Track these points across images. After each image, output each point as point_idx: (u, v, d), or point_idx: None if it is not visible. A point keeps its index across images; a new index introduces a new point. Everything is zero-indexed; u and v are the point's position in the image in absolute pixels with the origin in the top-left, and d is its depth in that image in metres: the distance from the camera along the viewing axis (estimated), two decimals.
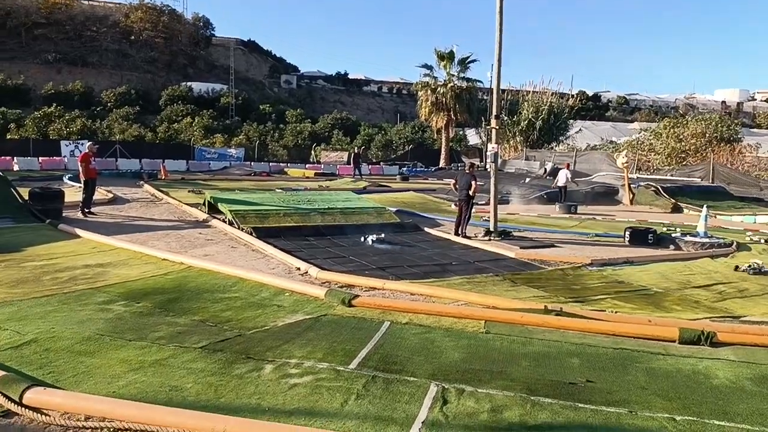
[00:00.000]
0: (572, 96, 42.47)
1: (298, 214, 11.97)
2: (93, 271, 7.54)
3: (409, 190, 22.63)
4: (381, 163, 37.70)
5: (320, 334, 5.37)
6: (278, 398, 3.92)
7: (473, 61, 37.39)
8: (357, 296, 6.33)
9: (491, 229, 11.43)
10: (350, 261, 8.71)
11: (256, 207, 12.08)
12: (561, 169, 20.33)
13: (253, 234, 10.36)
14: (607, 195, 20.90)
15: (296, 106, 67.58)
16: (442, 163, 38.71)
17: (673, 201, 18.44)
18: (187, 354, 4.73)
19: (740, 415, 3.96)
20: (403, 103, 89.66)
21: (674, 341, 5.41)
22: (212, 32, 78.92)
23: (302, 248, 9.60)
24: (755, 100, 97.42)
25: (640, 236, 11.28)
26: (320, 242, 10.30)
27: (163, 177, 24.25)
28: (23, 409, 3.57)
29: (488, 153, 11.61)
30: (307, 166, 35.73)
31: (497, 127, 11.39)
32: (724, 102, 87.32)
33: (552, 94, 35.97)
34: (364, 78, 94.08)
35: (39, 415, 3.52)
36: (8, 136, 38.51)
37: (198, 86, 65.42)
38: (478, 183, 11.46)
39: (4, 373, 3.93)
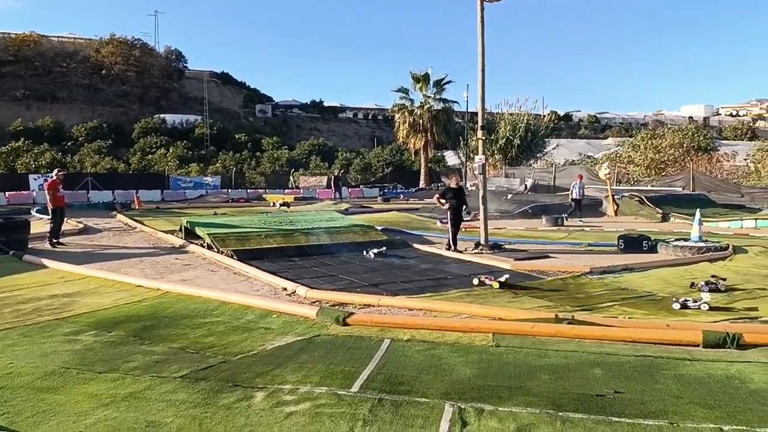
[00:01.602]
0: (545, 116, 42.94)
1: (280, 235, 11.44)
2: (59, 302, 6.90)
3: (391, 210, 22.24)
4: (361, 185, 37.31)
5: (315, 356, 4.85)
6: (273, 430, 3.39)
7: (449, 82, 37.62)
8: (351, 314, 5.83)
9: (482, 242, 11.04)
10: (340, 279, 8.20)
11: (236, 230, 11.52)
12: (573, 182, 19.92)
13: (234, 257, 9.79)
14: (590, 207, 20.75)
15: (272, 134, 67.12)
16: (422, 184, 38.47)
17: (660, 210, 18.33)
18: (166, 384, 4.17)
19: None
20: (379, 128, 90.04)
21: (698, 345, 5.01)
22: (185, 65, 78.56)
23: (287, 269, 9.07)
24: (720, 114, 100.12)
25: (633, 244, 11.00)
26: (306, 262, 9.77)
27: (137, 207, 23.49)
28: None
29: (476, 164, 11.28)
30: (286, 191, 35.17)
31: (484, 138, 11.10)
32: (691, 117, 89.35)
33: (527, 113, 36.21)
34: (339, 105, 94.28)
35: None
36: None
37: (172, 118, 64.74)
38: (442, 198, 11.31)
39: None
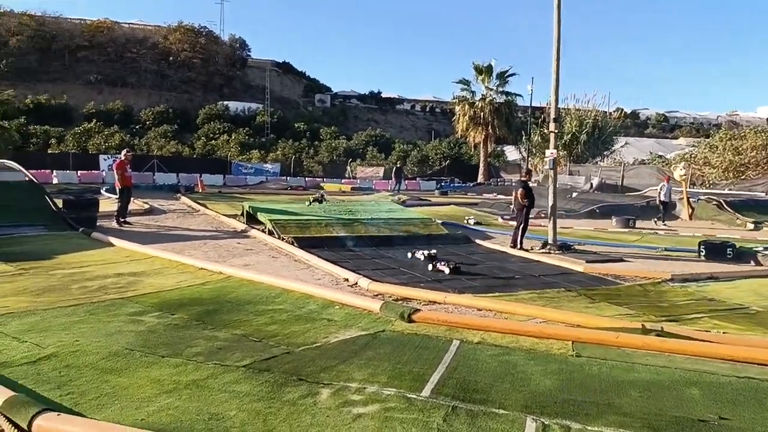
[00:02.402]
0: (612, 112, 41.09)
1: (340, 225, 11.27)
2: (125, 280, 6.94)
3: (449, 203, 21.79)
4: (417, 178, 36.94)
5: (380, 354, 4.58)
6: None
7: (512, 74, 36.54)
8: (417, 310, 5.52)
9: (550, 241, 10.50)
10: (401, 272, 7.91)
11: (297, 217, 11.44)
12: (661, 183, 18.72)
13: (295, 244, 9.69)
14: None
15: (330, 124, 67.61)
16: (480, 179, 37.66)
17: (742, 216, 17.06)
18: (229, 374, 4.00)
19: None
20: (436, 120, 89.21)
21: None
22: (248, 53, 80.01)
23: (347, 259, 8.87)
24: None
25: (717, 251, 10.19)
26: (366, 253, 9.55)
27: (201, 190, 24.04)
28: None
29: (546, 159, 10.71)
30: (342, 180, 35.27)
31: (556, 131, 10.52)
32: None
33: (594, 109, 34.67)
34: (397, 97, 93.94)
35: None
36: (49, 151, 39.22)
37: (234, 105, 66.16)
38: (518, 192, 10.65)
39: (13, 393, 3.25)
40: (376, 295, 6.50)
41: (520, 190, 10.82)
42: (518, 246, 10.37)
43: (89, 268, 7.54)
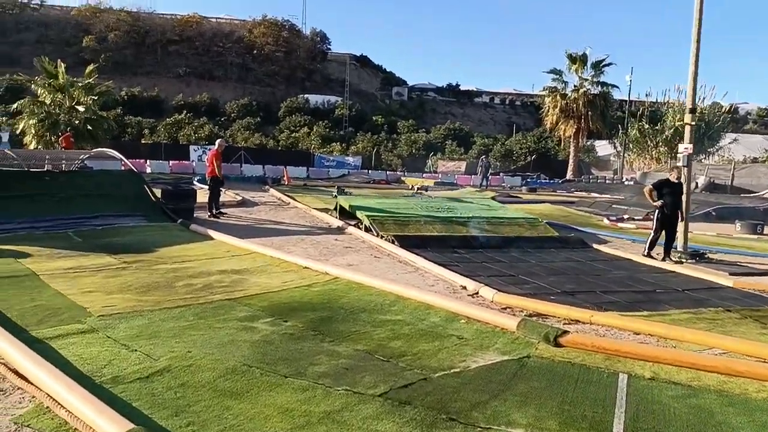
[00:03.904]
0: (719, 107, 37.70)
1: (439, 222, 10.53)
2: (229, 278, 6.53)
3: (542, 201, 20.51)
4: (501, 173, 35.54)
5: (536, 388, 3.80)
6: None
7: (609, 64, 34.26)
8: (565, 332, 4.68)
9: (680, 249, 9.27)
10: (523, 281, 7.05)
11: (394, 213, 10.80)
12: None
13: (396, 243, 9.04)
14: None
15: (407, 117, 66.98)
16: (569, 175, 35.70)
17: None
18: (365, 405, 3.37)
19: None
20: (516, 114, 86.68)
21: None
22: (328, 47, 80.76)
23: (455, 261, 8.11)
24: None
25: None
26: (473, 256, 8.74)
27: (287, 182, 24.06)
28: None
29: (680, 155, 9.44)
30: (423, 175, 34.51)
31: (692, 123, 9.25)
32: None
33: (702, 103, 31.75)
34: (475, 89, 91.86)
35: None
36: (142, 141, 41.03)
37: (314, 98, 66.89)
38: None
39: (132, 426, 2.74)
40: (504, 308, 5.71)
41: (647, 187, 9.81)
42: (646, 252, 9.20)
43: (191, 264, 7.22)
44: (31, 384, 3.37)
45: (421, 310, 5.57)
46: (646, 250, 9.35)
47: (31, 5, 64.75)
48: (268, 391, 3.54)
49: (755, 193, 22.03)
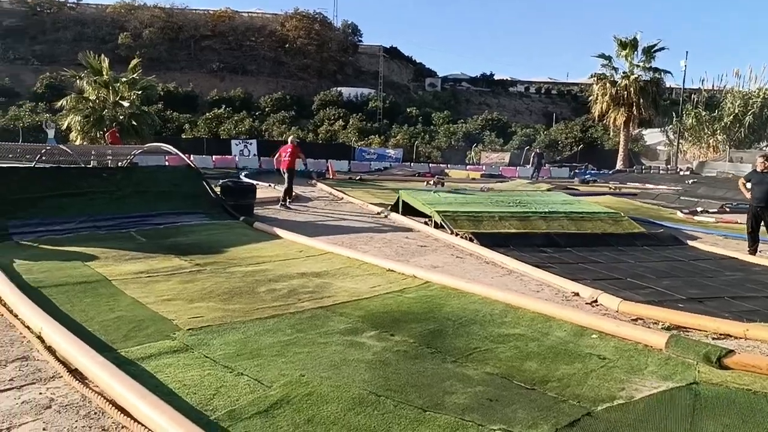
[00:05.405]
0: None
1: (515, 218, 9.82)
2: (312, 283, 5.98)
3: (602, 193, 19.49)
4: (547, 165, 34.33)
5: (729, 426, 3.12)
6: None
7: (661, 49, 32.59)
8: (731, 351, 3.95)
9: None
10: (635, 285, 6.31)
11: (465, 209, 10.13)
12: None
13: (475, 241, 8.37)
14: None
15: (441, 108, 65.81)
16: (619, 165, 34.26)
17: None
18: None
19: None
20: (553, 103, 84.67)
21: None
22: (359, 39, 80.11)
23: (547, 262, 7.40)
24: None
25: None
26: (563, 255, 8.00)
27: (332, 176, 23.60)
28: None
29: None
30: (468, 167, 33.61)
31: None
32: None
33: (763, 88, 29.91)
34: (509, 79, 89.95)
35: None
36: (183, 136, 41.13)
37: (347, 91, 66.30)
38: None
39: None
40: (634, 320, 5.01)
41: (741, 180, 9.01)
42: (754, 250, 8.34)
43: (267, 266, 6.70)
44: (137, 422, 2.84)
45: (539, 322, 4.91)
46: (750, 248, 8.51)
47: (68, 4, 65.82)
48: (411, 431, 2.94)
49: None
